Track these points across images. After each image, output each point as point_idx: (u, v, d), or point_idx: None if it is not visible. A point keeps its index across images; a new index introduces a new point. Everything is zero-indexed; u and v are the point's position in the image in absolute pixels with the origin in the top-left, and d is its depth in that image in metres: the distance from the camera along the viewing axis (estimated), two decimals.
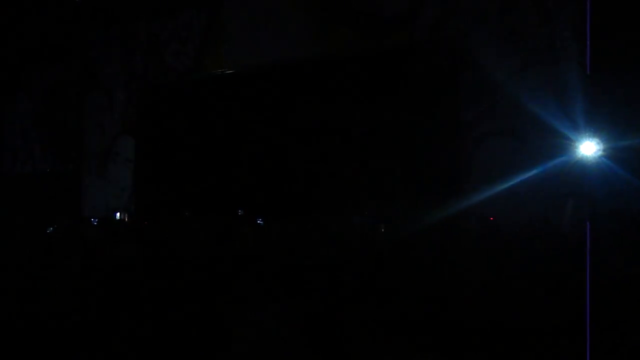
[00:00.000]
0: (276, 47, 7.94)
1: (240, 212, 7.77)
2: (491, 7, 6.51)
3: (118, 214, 8.92)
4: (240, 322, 2.61)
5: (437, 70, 6.71)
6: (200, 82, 8.88)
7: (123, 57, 9.82)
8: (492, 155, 6.40)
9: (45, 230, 6.64)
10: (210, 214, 6.97)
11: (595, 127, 5.84)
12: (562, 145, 5.98)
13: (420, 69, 6.85)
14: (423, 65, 6.83)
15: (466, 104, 6.56)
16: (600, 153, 5.73)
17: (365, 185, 7.12)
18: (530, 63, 6.27)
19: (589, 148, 5.78)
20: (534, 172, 6.11)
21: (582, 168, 5.85)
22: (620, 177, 5.58)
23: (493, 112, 6.42)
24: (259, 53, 8.11)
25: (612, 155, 5.69)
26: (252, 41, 8.23)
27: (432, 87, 6.73)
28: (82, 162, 10.23)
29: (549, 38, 6.17)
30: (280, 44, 7.93)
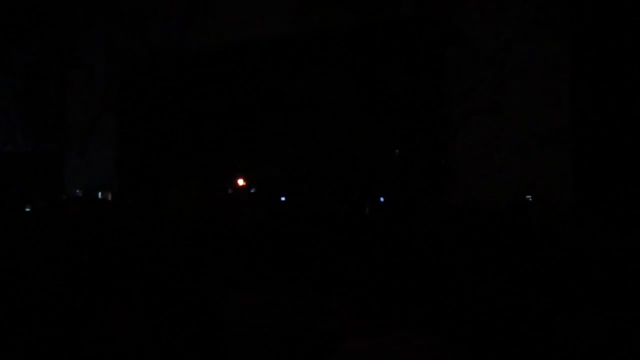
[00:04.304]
0: (261, 23, 7.84)
1: (229, 190, 7.76)
2: None
3: (100, 193, 8.85)
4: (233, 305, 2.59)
5: (422, 46, 6.67)
6: (184, 59, 8.77)
7: (105, 34, 9.65)
8: (477, 132, 6.40)
9: (22, 210, 6.51)
10: (193, 189, 6.93)
11: (580, 104, 5.85)
12: (546, 122, 5.99)
13: (405, 44, 6.81)
14: (408, 40, 6.78)
15: (452, 80, 6.53)
16: (584, 131, 5.75)
17: (349, 161, 7.13)
18: (516, 39, 6.24)
19: (574, 126, 5.80)
20: (518, 149, 6.12)
21: (566, 145, 5.87)
22: (605, 155, 5.61)
23: (478, 89, 6.40)
24: (244, 29, 8.01)
25: (596, 133, 5.71)
26: (236, 17, 8.12)
27: (418, 62, 6.69)
28: (64, 141, 10.08)
29: (534, 14, 6.14)
30: (265, 20, 7.83)
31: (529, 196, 5.83)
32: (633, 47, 5.53)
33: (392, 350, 1.69)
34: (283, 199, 7.07)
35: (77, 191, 8.95)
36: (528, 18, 6.17)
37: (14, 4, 10.16)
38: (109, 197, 8.44)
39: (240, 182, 7.96)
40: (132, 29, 9.32)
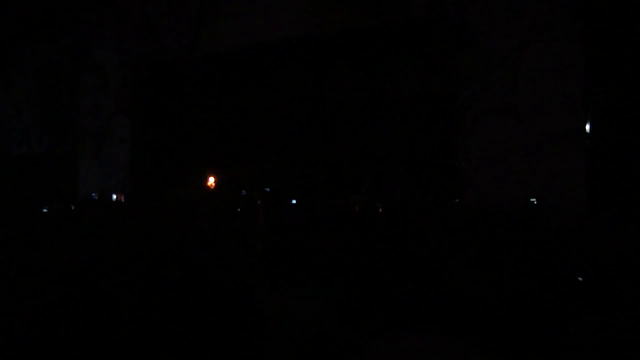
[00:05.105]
0: (272, 25, 7.86)
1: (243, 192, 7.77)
2: None
3: (114, 195, 8.90)
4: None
5: (434, 47, 6.67)
6: (195, 60, 8.81)
7: (117, 36, 9.71)
8: (490, 134, 6.38)
9: (40, 211, 6.59)
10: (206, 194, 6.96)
11: (593, 106, 5.82)
12: (560, 124, 5.96)
13: (417, 46, 6.81)
14: (420, 42, 6.78)
15: (464, 81, 6.52)
16: (597, 133, 5.72)
17: (363, 163, 7.13)
18: (529, 40, 6.21)
19: (587, 127, 5.77)
20: (531, 150, 6.10)
21: (579, 147, 5.83)
22: (619, 157, 5.58)
23: (491, 90, 6.38)
24: (255, 31, 8.03)
25: (610, 135, 5.68)
26: (247, 19, 8.15)
27: (430, 64, 6.69)
28: (78, 143, 10.16)
29: (547, 15, 6.11)
30: (276, 21, 7.84)
31: (534, 199, 5.81)
32: None
33: (415, 354, 1.69)
34: (294, 201, 7.08)
35: (93, 194, 9.02)
36: (541, 19, 6.14)
37: (27, 7, 10.24)
38: (123, 200, 8.49)
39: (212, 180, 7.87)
40: (144, 31, 9.37)
